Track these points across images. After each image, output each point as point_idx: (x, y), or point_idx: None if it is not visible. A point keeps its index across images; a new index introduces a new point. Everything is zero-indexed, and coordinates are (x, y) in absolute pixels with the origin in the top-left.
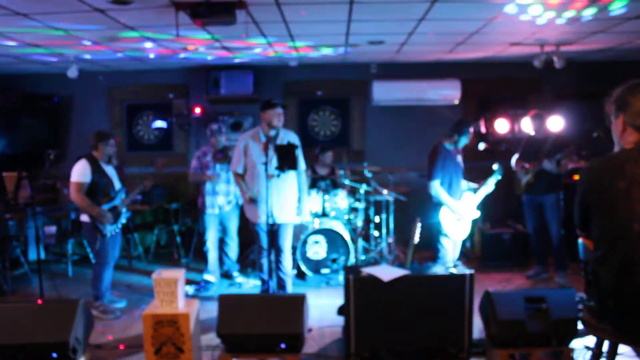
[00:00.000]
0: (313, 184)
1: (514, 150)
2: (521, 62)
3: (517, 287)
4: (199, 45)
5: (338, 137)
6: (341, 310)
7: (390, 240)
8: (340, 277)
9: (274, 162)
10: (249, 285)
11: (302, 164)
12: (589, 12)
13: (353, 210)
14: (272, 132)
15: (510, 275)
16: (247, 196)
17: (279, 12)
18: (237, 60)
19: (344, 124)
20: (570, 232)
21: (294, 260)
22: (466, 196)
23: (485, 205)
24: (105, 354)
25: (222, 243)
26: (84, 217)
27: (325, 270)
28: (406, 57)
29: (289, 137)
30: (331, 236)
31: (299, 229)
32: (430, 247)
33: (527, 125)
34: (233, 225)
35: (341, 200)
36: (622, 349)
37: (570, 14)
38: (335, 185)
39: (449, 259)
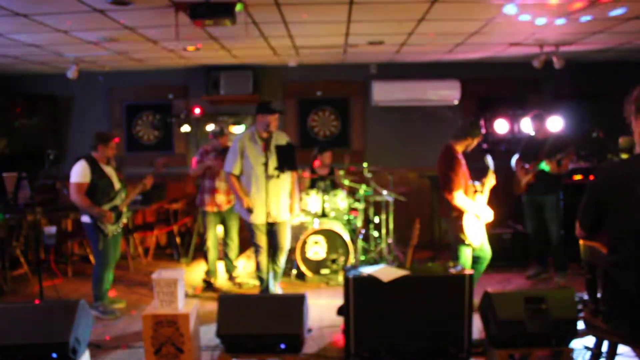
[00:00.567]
0: (312, 185)
1: (513, 151)
2: (521, 62)
3: (517, 287)
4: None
5: (338, 137)
6: (341, 311)
7: (390, 240)
8: (340, 278)
9: (273, 162)
10: (249, 285)
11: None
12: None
13: (353, 210)
14: (265, 134)
15: (509, 276)
16: (246, 204)
17: (278, 13)
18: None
19: (343, 124)
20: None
21: (294, 260)
22: (478, 198)
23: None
24: (105, 354)
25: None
26: (85, 218)
27: (324, 271)
28: (406, 58)
29: (281, 137)
30: (331, 236)
31: (298, 230)
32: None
33: (526, 126)
34: (233, 226)
35: (341, 200)
36: (622, 349)
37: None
38: (335, 185)
39: (468, 266)
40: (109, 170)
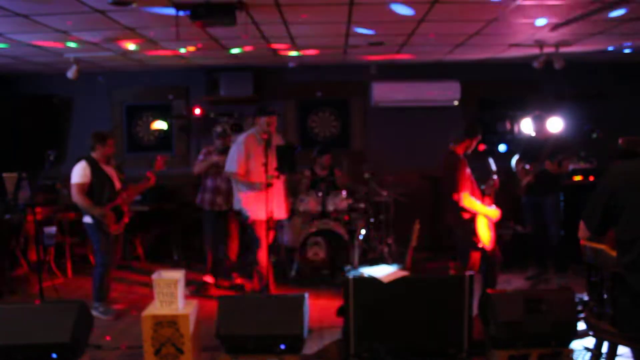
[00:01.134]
0: (313, 185)
1: (514, 152)
2: (520, 63)
3: (517, 288)
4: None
5: (338, 138)
6: (341, 311)
7: (390, 241)
8: (340, 278)
9: (273, 163)
10: (249, 286)
11: None
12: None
13: (353, 211)
14: (264, 135)
15: (509, 276)
16: (258, 186)
17: (278, 13)
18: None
19: (343, 125)
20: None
21: (294, 261)
22: (485, 200)
23: None
24: (104, 354)
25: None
26: (87, 219)
27: (325, 271)
28: (406, 58)
29: (277, 139)
30: (331, 237)
31: (298, 230)
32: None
33: (527, 127)
34: (233, 226)
35: (341, 201)
36: (621, 350)
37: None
38: (335, 186)
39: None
40: (110, 171)
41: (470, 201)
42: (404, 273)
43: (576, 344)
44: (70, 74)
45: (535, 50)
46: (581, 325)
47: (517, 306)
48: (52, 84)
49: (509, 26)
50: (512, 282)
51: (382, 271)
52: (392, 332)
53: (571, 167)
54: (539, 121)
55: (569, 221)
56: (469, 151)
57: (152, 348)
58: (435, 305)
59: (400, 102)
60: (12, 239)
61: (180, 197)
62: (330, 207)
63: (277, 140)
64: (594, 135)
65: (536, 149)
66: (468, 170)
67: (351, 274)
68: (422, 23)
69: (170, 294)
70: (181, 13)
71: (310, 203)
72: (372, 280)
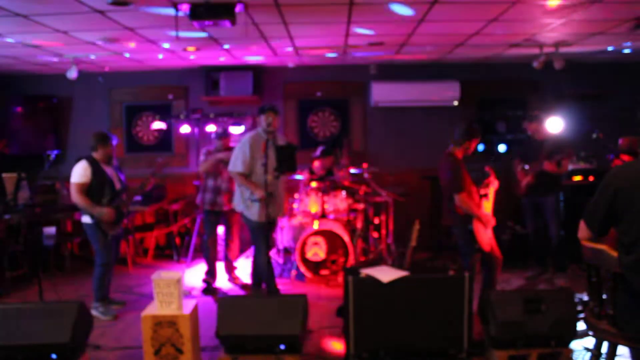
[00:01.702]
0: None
1: (513, 152)
2: (520, 63)
3: (517, 288)
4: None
5: (337, 138)
6: (340, 311)
7: (390, 241)
8: (340, 278)
9: (273, 163)
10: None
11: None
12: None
13: (352, 211)
14: (268, 135)
15: (509, 276)
16: (260, 194)
17: (278, 13)
18: (235, 62)
19: (343, 125)
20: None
21: (294, 261)
22: (484, 202)
23: None
24: (104, 354)
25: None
26: (85, 218)
27: (324, 272)
28: (405, 58)
29: (280, 139)
30: (330, 237)
31: (298, 230)
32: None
33: (526, 127)
34: (234, 226)
35: (340, 201)
36: (621, 350)
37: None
38: (335, 186)
39: (477, 271)
40: (110, 171)
41: (468, 202)
42: (404, 273)
43: (576, 344)
44: (70, 74)
45: (535, 50)
46: (581, 325)
47: (517, 306)
48: (51, 84)
49: (509, 26)
50: (512, 282)
51: (382, 271)
52: (392, 332)
53: (571, 166)
54: (536, 122)
55: (568, 221)
56: (469, 153)
57: (152, 348)
58: (435, 305)
59: (400, 102)
60: (11, 239)
61: (180, 197)
62: (330, 208)
63: (280, 140)
64: (594, 135)
65: (535, 149)
66: (466, 173)
67: (351, 275)
68: (421, 23)
69: (170, 294)
70: (180, 13)
71: (309, 203)
72: (372, 280)
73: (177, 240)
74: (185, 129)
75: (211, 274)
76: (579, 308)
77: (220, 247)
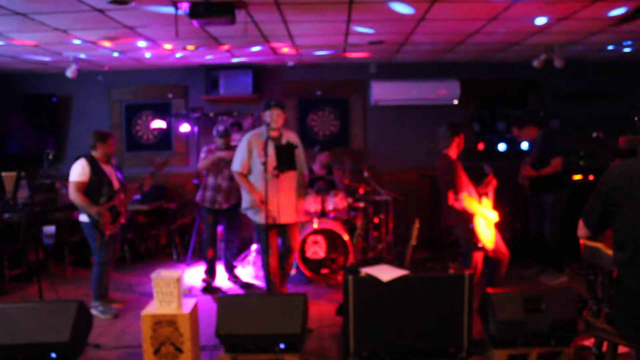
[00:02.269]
0: (311, 184)
1: (513, 151)
2: (520, 62)
3: (516, 287)
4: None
5: (337, 137)
6: (340, 310)
7: (389, 240)
8: (340, 277)
9: (273, 162)
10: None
11: (303, 164)
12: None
13: (352, 210)
14: (274, 132)
15: (509, 276)
16: (259, 198)
17: (278, 12)
18: (235, 60)
19: (343, 123)
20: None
21: (294, 260)
22: (484, 201)
23: None
24: (104, 354)
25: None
26: (83, 217)
27: (324, 270)
28: (405, 57)
29: (291, 137)
30: (330, 236)
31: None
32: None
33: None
34: (233, 225)
35: (340, 200)
36: (621, 349)
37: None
38: (334, 185)
39: (480, 270)
40: (109, 170)
41: (469, 202)
42: (404, 272)
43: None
44: (69, 72)
45: (535, 49)
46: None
47: (516, 305)
48: (51, 82)
49: (509, 25)
50: (511, 281)
51: (382, 270)
52: (391, 331)
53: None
54: (538, 121)
55: (569, 220)
56: (461, 149)
57: (152, 347)
58: (435, 304)
59: (400, 101)
60: (11, 239)
61: (180, 197)
62: (330, 206)
63: (292, 137)
64: (594, 135)
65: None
66: (464, 172)
67: (351, 274)
68: (422, 22)
69: (170, 293)
70: (180, 12)
71: (309, 202)
72: (372, 279)
73: (177, 239)
74: (185, 127)
75: (211, 273)
76: (579, 307)
77: (220, 246)
